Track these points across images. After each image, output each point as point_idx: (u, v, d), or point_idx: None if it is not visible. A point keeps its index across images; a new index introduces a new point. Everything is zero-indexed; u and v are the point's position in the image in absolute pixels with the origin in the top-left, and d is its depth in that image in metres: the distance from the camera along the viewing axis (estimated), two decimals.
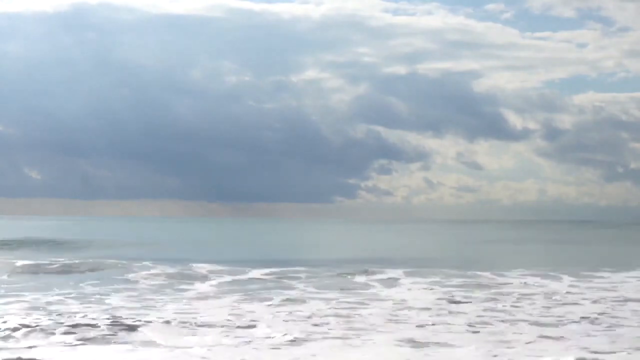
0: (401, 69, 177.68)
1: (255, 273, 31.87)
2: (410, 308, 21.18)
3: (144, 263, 35.73)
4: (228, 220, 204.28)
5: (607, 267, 36.46)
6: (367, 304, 21.93)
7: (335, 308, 20.96)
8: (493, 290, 26.00)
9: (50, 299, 22.43)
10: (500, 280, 30.21)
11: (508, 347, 15.23)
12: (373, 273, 32.38)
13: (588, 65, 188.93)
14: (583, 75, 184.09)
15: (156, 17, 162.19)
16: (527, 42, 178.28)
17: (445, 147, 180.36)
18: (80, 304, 21.40)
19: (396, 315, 19.66)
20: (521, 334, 16.95)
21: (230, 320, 18.28)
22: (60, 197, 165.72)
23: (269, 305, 21.61)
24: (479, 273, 32.77)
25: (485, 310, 20.91)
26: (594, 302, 23.02)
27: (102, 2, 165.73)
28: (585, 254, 51.68)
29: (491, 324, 18.33)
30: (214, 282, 28.46)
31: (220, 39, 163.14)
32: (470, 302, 22.78)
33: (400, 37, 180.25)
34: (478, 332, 17.21)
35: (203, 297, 23.81)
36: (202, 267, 34.19)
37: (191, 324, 17.59)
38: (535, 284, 28.67)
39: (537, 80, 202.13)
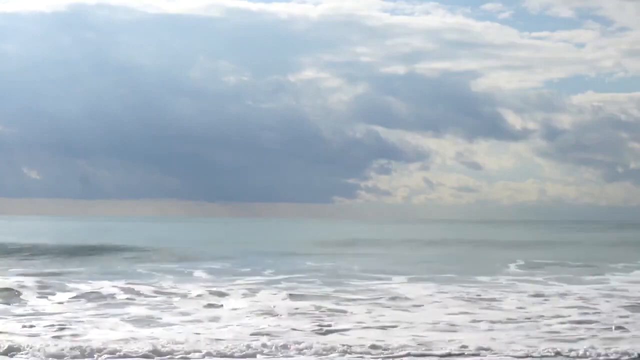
0: (400, 69, 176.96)
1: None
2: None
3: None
4: (232, 220, 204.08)
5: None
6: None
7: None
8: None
9: None
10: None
11: None
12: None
13: (587, 65, 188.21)
14: (582, 75, 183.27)
15: (154, 17, 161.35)
16: (525, 41, 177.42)
17: (444, 147, 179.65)
18: None
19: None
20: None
21: None
22: (60, 197, 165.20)
23: None
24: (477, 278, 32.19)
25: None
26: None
27: (100, 2, 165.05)
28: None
29: None
30: None
31: (218, 39, 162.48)
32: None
33: (398, 37, 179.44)
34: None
35: None
36: None
37: None
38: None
39: (536, 80, 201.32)
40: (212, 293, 24.38)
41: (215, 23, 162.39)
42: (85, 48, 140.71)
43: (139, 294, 24.01)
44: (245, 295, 23.96)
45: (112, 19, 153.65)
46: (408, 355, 14.96)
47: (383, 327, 18.02)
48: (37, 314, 19.90)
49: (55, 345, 15.21)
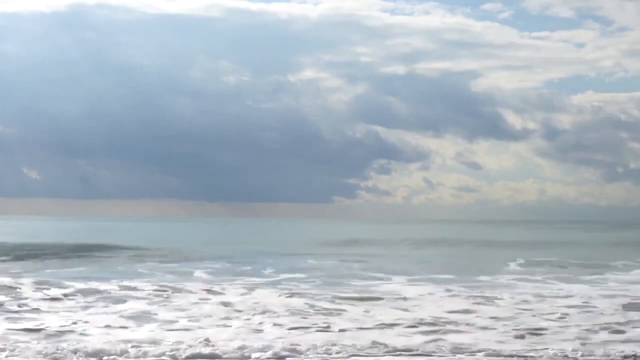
0: (400, 69, 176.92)
1: None
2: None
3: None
4: (232, 220, 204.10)
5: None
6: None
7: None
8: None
9: None
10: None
11: None
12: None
13: (587, 65, 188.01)
14: (582, 75, 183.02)
15: (154, 17, 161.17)
16: (525, 41, 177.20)
17: (444, 147, 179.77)
18: None
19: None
20: None
21: None
22: (60, 197, 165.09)
23: None
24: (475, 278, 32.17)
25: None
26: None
27: (99, 2, 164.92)
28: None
29: None
30: None
31: (218, 39, 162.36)
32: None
33: (398, 37, 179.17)
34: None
35: None
36: None
37: None
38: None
39: (536, 80, 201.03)
40: (211, 292, 24.39)
41: (215, 23, 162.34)
42: (85, 48, 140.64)
43: (138, 293, 23.99)
44: (244, 295, 23.96)
45: (112, 19, 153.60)
46: (401, 355, 14.94)
47: (381, 327, 18.02)
48: (34, 313, 19.86)
49: (49, 344, 15.23)
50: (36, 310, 20.26)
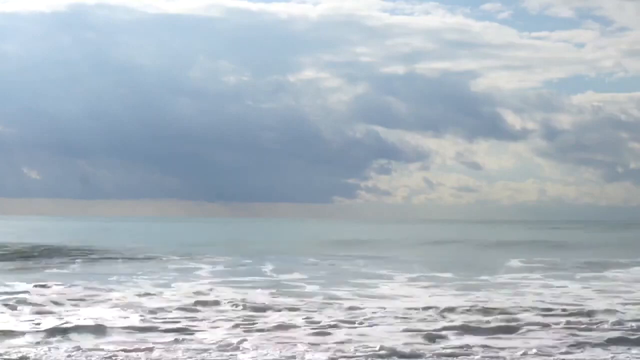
0: (399, 69, 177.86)
1: None
2: None
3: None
4: (232, 220, 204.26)
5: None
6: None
7: None
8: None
9: None
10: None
11: None
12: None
13: (586, 65, 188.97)
14: (581, 75, 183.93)
15: (154, 17, 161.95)
16: (524, 41, 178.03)
17: (444, 147, 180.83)
18: None
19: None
20: None
21: None
22: (60, 197, 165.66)
23: None
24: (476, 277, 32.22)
25: None
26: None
27: (99, 2, 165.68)
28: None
29: None
30: None
31: (218, 39, 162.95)
32: None
33: (398, 37, 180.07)
34: None
35: None
36: None
37: None
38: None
39: (536, 80, 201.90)
40: (210, 291, 24.44)
41: (215, 23, 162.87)
42: (85, 48, 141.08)
43: (137, 292, 24.00)
44: (242, 294, 23.98)
45: (112, 19, 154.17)
46: (398, 354, 14.96)
47: (380, 326, 18.05)
48: (34, 313, 19.86)
49: (48, 344, 15.30)
50: (35, 310, 20.27)
